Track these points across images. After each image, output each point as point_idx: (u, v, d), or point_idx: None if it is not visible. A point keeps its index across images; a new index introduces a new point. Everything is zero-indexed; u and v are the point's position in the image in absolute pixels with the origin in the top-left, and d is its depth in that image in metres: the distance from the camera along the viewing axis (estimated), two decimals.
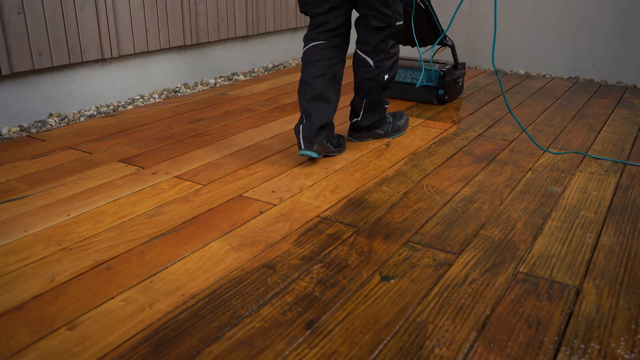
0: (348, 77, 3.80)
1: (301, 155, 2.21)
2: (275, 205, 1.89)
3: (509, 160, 2.34)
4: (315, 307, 1.35)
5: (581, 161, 2.34)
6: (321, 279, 1.46)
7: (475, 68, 4.31)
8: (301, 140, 2.19)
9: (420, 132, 2.69)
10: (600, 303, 1.39)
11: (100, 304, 1.35)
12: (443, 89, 3.09)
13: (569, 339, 1.26)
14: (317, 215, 1.82)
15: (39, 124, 2.74)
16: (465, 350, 1.21)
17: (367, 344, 1.23)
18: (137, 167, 2.20)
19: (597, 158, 2.37)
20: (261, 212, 1.83)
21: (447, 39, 3.12)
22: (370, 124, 2.44)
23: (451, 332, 1.27)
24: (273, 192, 1.99)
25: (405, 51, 4.45)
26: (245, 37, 3.94)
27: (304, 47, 2.27)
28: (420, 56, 2.84)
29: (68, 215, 1.80)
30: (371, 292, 1.41)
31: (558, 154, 2.40)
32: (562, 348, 1.23)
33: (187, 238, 1.66)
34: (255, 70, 4.03)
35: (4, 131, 2.61)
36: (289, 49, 4.38)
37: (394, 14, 2.19)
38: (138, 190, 1.99)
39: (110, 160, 2.27)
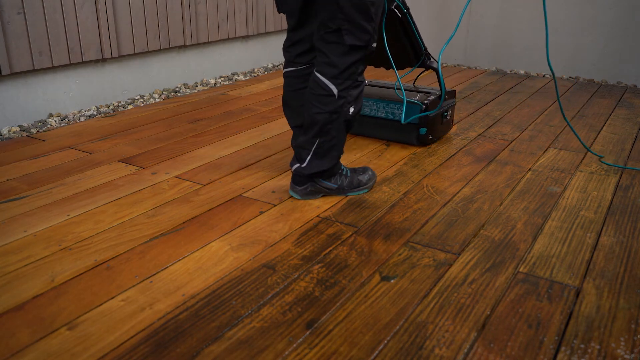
0: None
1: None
2: (275, 205, 1.89)
3: (509, 160, 2.34)
4: (315, 307, 1.35)
5: (581, 161, 2.34)
6: (321, 279, 1.47)
7: (475, 68, 4.31)
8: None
9: None
10: (600, 303, 1.39)
11: (100, 304, 1.35)
12: (426, 127, 2.41)
13: (569, 339, 1.26)
14: (317, 215, 1.82)
15: (39, 124, 2.74)
16: (465, 350, 1.21)
17: (367, 344, 1.23)
18: (137, 167, 2.20)
19: None
20: (261, 212, 1.83)
21: (432, 59, 2.46)
22: (318, 172, 1.88)
23: (451, 332, 1.27)
24: (273, 192, 1.99)
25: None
26: (245, 37, 3.94)
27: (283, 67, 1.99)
28: (399, 82, 2.40)
29: (68, 215, 1.80)
30: (371, 292, 1.41)
31: (614, 166, 2.27)
32: (562, 348, 1.23)
33: (187, 238, 1.66)
34: (255, 70, 4.03)
35: (4, 131, 2.61)
36: None
37: (374, 31, 1.75)
38: (138, 190, 1.99)
39: (110, 160, 2.27)
